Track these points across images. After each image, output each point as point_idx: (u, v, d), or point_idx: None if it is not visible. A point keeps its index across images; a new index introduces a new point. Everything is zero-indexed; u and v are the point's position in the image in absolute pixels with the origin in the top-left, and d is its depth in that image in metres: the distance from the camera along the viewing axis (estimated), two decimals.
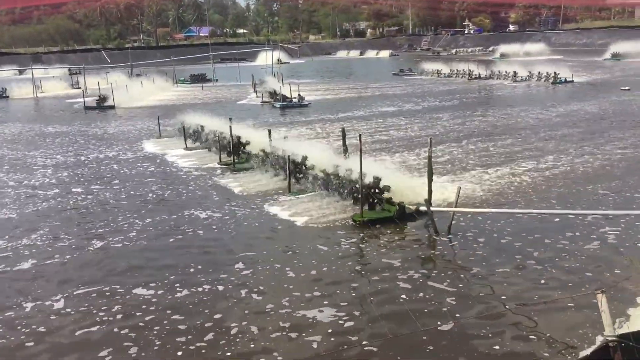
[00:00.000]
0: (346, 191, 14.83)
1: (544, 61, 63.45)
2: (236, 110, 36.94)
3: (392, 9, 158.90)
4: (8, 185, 18.76)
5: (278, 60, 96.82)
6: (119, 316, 9.09)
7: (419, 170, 18.04)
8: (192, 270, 10.84)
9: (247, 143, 21.01)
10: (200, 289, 10.03)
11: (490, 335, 8.20)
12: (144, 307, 9.39)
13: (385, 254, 11.55)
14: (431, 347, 8.00)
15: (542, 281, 9.88)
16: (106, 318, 9.03)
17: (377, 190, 14.17)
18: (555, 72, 46.42)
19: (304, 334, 8.48)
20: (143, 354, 8.04)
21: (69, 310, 9.37)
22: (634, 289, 9.32)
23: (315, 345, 8.10)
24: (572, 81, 45.80)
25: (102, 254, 11.92)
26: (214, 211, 14.88)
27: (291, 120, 31.29)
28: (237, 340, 8.32)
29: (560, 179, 16.80)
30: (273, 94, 42.18)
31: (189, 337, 8.45)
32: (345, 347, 8.07)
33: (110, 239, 12.83)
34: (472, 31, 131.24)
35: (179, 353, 8.03)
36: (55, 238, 13.02)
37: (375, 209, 14.23)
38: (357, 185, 14.24)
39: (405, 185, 15.36)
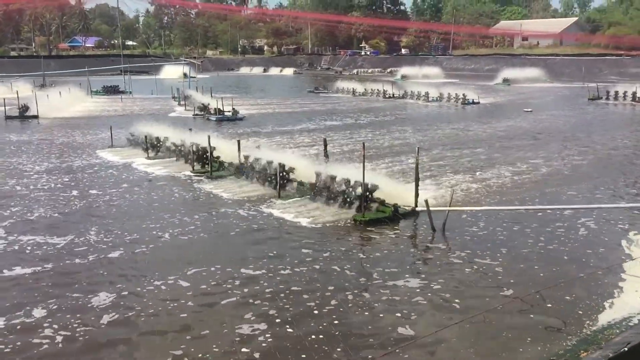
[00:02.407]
0: (337, 196, 16.25)
1: (443, 84, 68.57)
2: (172, 122, 36.95)
3: (289, 28, 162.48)
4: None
5: (184, 74, 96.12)
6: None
7: (392, 176, 19.87)
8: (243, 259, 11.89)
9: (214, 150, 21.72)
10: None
11: (499, 326, 9.17)
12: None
13: (393, 247, 13.30)
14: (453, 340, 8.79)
15: (536, 267, 11.60)
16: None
17: (369, 195, 15.78)
18: (464, 94, 50.74)
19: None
20: None
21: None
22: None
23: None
24: (479, 102, 50.32)
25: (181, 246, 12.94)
26: (217, 214, 15.74)
27: (237, 132, 32.10)
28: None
29: (530, 181, 19.94)
30: (204, 108, 42.65)
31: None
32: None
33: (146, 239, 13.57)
34: (369, 53, 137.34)
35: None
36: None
37: (371, 211, 15.81)
38: (348, 190, 15.88)
39: (388, 188, 17.05)
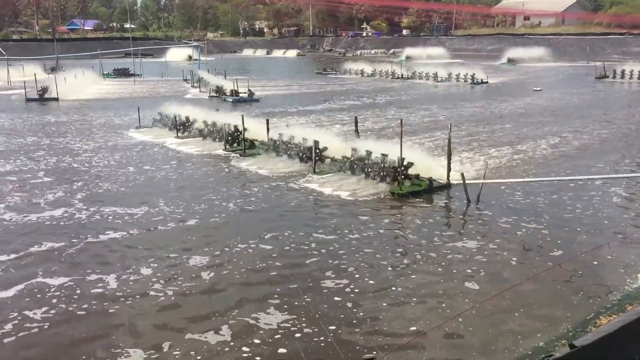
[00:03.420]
0: (372, 171, 17.12)
1: (448, 64, 69.12)
2: (192, 104, 37.64)
3: (290, 9, 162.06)
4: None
5: (189, 56, 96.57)
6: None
7: (424, 151, 20.78)
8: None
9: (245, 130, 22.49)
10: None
11: (542, 291, 9.80)
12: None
13: (434, 216, 14.29)
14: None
15: (572, 235, 12.43)
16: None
17: (405, 169, 16.64)
18: (472, 74, 51.43)
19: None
20: None
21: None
22: None
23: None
24: (487, 82, 51.01)
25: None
26: (260, 189, 16.53)
27: (258, 113, 32.83)
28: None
29: (563, 154, 21.10)
30: (219, 90, 43.37)
31: None
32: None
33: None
34: (370, 34, 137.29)
35: None
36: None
37: (404, 184, 16.69)
38: (385, 165, 16.76)
39: (421, 163, 17.90)
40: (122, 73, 62.23)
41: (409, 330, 8.50)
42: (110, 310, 9.10)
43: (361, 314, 8.98)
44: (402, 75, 57.70)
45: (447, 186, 16.69)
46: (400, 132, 16.73)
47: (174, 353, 7.88)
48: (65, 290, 9.76)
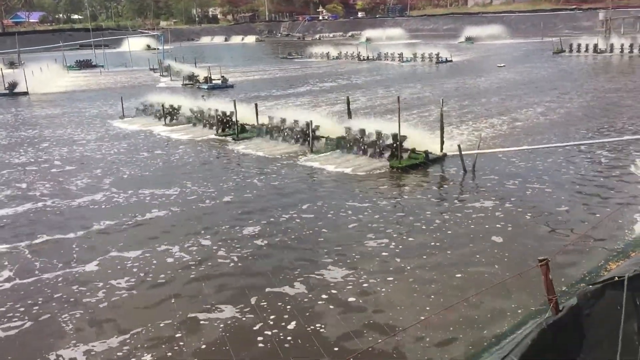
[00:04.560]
0: (368, 147, 18.07)
1: (408, 44, 70.44)
2: (167, 92, 37.76)
3: None
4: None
5: (147, 45, 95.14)
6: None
7: (416, 126, 21.85)
8: (278, 212, 13.34)
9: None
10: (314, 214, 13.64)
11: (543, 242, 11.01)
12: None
13: (436, 184, 15.54)
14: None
15: (559, 195, 13.71)
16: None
17: (401, 144, 17.58)
18: (437, 53, 52.77)
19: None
20: None
21: None
22: None
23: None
24: (452, 60, 52.46)
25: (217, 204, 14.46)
26: (256, 171, 17.11)
27: (238, 99, 33.13)
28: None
29: (543, 123, 22.77)
30: (192, 77, 43.43)
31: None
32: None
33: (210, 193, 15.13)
34: (327, 17, 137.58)
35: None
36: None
37: (404, 158, 17.66)
38: (381, 141, 17.71)
39: (415, 137, 18.90)
40: (85, 65, 61.30)
41: None
42: (192, 275, 10.07)
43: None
44: (367, 57, 58.62)
45: (443, 157, 17.74)
46: (398, 108, 17.76)
47: (261, 304, 8.91)
48: (143, 261, 10.65)
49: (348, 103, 22.74)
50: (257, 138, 22.01)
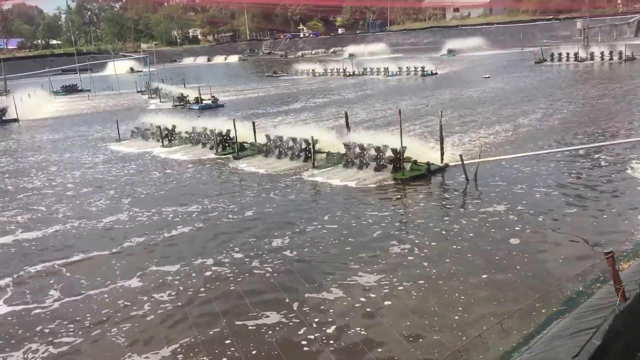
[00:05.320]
0: (369, 161, 18.34)
1: (392, 58, 71.39)
2: (159, 114, 37.95)
3: (224, 16, 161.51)
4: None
5: (131, 68, 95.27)
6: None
7: (418, 137, 22.24)
8: (301, 224, 13.79)
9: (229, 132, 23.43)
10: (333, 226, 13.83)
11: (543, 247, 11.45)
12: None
13: (441, 194, 16.07)
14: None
15: (561, 198, 14.36)
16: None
17: (402, 156, 17.92)
18: (422, 67, 53.56)
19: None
20: None
21: None
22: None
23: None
24: (437, 73, 53.27)
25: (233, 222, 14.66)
26: (269, 187, 17.44)
27: (230, 118, 33.41)
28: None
29: (540, 129, 23.63)
30: (182, 98, 43.65)
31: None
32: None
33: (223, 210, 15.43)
34: (308, 34, 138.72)
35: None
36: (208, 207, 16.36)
37: (405, 170, 17.96)
38: (382, 154, 18.01)
39: (415, 149, 19.25)
40: (71, 90, 61.32)
41: None
42: (231, 286, 10.54)
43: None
44: (353, 72, 59.29)
45: (444, 168, 18.09)
46: (400, 121, 18.14)
47: (303, 309, 9.36)
48: (182, 275, 11.08)
49: (347, 117, 23.12)
50: (258, 156, 22.24)
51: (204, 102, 41.46)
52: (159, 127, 26.57)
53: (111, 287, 10.69)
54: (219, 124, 25.21)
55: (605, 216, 12.99)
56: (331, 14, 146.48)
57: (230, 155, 22.59)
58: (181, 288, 10.43)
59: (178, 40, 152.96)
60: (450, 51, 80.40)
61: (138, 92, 54.75)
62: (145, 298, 10.09)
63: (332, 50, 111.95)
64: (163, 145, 25.81)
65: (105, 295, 10.35)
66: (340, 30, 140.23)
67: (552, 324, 8.38)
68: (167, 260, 11.82)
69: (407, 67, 55.24)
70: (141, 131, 28.13)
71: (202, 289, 10.37)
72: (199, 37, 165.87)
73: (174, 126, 26.47)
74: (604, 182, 15.52)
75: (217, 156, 22.97)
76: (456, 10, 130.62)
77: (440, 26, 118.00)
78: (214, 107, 40.58)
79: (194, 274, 11.01)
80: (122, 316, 9.55)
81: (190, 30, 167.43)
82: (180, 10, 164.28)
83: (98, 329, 9.19)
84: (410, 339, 8.33)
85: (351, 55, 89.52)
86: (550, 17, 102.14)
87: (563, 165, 17.61)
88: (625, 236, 11.72)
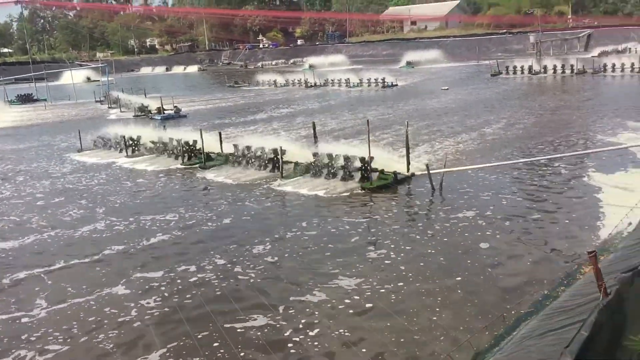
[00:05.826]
0: (337, 171, 18.69)
1: (351, 70, 72.42)
2: (122, 124, 37.45)
3: (182, 25, 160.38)
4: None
5: (87, 78, 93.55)
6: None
7: (385, 147, 22.74)
8: (279, 231, 14.04)
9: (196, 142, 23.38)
10: (291, 234, 14.41)
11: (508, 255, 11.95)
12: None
13: (407, 202, 16.56)
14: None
15: (526, 205, 15.10)
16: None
17: (369, 166, 18.32)
18: (383, 78, 54.46)
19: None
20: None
21: None
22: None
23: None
24: (397, 85, 54.25)
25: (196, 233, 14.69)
26: (243, 196, 17.57)
27: (198, 128, 33.29)
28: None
29: (502, 139, 24.50)
30: (144, 108, 43.18)
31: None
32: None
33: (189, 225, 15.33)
34: (268, 45, 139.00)
35: None
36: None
37: (372, 179, 18.36)
38: (350, 164, 18.39)
39: (381, 158, 19.70)
40: (27, 99, 59.94)
41: None
42: (217, 292, 10.77)
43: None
44: (315, 83, 59.79)
45: (411, 177, 18.57)
46: (368, 131, 18.51)
47: (289, 312, 9.68)
48: (167, 281, 11.25)
49: (314, 128, 23.45)
50: (225, 166, 22.26)
51: (166, 112, 41.14)
52: (123, 137, 26.31)
53: (97, 294, 10.74)
54: (184, 134, 25.17)
55: (566, 221, 13.71)
56: (290, 25, 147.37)
57: (197, 165, 22.59)
58: (166, 294, 10.56)
59: (135, 49, 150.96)
60: (409, 63, 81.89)
61: (97, 101, 53.94)
62: (132, 304, 10.19)
63: (292, 61, 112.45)
64: (127, 156, 25.56)
65: (92, 303, 10.40)
66: (299, 42, 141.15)
67: (520, 326, 8.80)
68: (151, 267, 11.94)
69: (367, 79, 56.07)
70: (104, 141, 27.79)
71: (187, 295, 10.52)
72: (157, 46, 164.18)
73: (139, 136, 26.25)
74: (565, 189, 16.38)
75: (183, 166, 22.91)
76: (413, 23, 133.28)
77: (398, 38, 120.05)
78: (177, 117, 40.34)
79: (179, 280, 11.16)
80: (109, 323, 9.65)
81: (147, 40, 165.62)
82: (137, 19, 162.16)
83: (86, 336, 9.26)
84: (393, 339, 8.69)
85: (311, 66, 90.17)
86: (504, 31, 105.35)
87: (526, 174, 18.43)
88: (586, 241, 12.38)
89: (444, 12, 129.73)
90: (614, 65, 53.26)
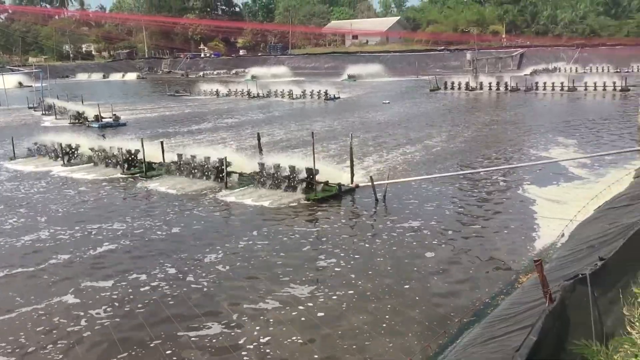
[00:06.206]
0: (282, 182, 18.78)
1: (293, 82, 72.80)
2: (58, 132, 36.23)
3: (120, 32, 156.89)
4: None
5: (19, 83, 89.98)
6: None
7: (330, 159, 23.04)
8: (230, 240, 14.09)
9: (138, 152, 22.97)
10: (240, 244, 14.93)
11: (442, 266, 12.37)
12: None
13: (350, 214, 16.81)
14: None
15: (467, 216, 15.74)
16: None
17: (314, 177, 18.53)
18: (326, 91, 54.98)
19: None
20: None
21: None
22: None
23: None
24: (339, 97, 54.88)
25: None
26: (191, 205, 17.52)
27: (138, 137, 32.66)
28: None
29: (445, 152, 25.41)
30: (80, 115, 41.93)
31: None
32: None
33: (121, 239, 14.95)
34: (210, 55, 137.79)
35: None
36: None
37: (317, 190, 18.54)
38: (295, 175, 18.54)
39: (325, 170, 19.96)
40: None
41: None
42: (169, 300, 10.76)
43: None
44: (258, 94, 59.63)
45: (354, 189, 18.86)
46: (312, 143, 18.62)
47: (242, 319, 9.85)
48: (118, 290, 11.17)
49: (259, 139, 23.44)
50: (167, 176, 21.93)
51: (104, 120, 40.08)
52: (60, 144, 25.48)
53: (45, 303, 10.56)
54: (123, 142, 24.67)
55: (505, 231, 14.39)
56: (232, 35, 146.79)
57: (138, 175, 22.16)
58: (117, 304, 10.46)
59: (71, 55, 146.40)
60: (350, 76, 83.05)
61: (30, 107, 51.95)
62: (82, 313, 10.08)
63: (234, 71, 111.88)
64: (64, 164, 24.77)
65: (41, 312, 10.24)
66: (241, 52, 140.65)
67: (464, 334, 9.11)
68: (100, 276, 11.81)
69: (310, 91, 56.42)
70: (39, 149, 26.82)
71: (139, 305, 10.46)
72: (94, 52, 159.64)
73: (77, 145, 25.48)
74: (504, 201, 17.24)
75: (124, 175, 22.42)
76: (355, 37, 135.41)
77: (340, 52, 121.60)
78: (116, 125, 39.39)
79: (130, 289, 11.07)
80: (58, 332, 9.53)
81: (83, 45, 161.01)
82: (73, 24, 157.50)
83: (33, 347, 9.11)
84: (345, 345, 8.93)
85: (254, 77, 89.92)
86: (442, 48, 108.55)
87: (467, 185, 19.19)
88: (523, 252, 12.94)
89: (385, 28, 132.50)
90: (545, 83, 55.76)
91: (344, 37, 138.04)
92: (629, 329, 5.65)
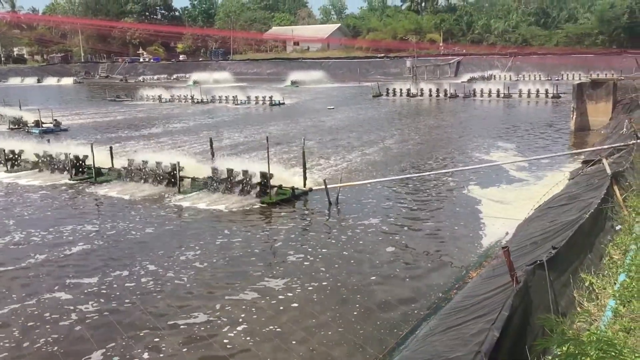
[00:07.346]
0: (235, 186, 19.12)
1: (235, 87, 72.81)
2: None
3: (54, 35, 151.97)
4: None
5: None
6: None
7: (283, 162, 23.51)
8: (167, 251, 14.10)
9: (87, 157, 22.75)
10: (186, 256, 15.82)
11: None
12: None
13: (304, 217, 17.25)
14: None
15: (418, 216, 16.74)
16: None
17: (268, 181, 18.93)
18: (270, 96, 55.32)
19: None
20: None
21: None
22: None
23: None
24: (284, 103, 55.32)
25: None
26: (135, 213, 17.44)
27: (84, 143, 32.09)
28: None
29: (397, 154, 26.65)
30: (19, 121, 40.70)
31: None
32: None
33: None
34: (149, 59, 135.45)
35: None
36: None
37: (271, 194, 18.93)
38: (246, 179, 18.87)
39: (278, 174, 20.36)
40: None
41: None
42: (156, 295, 11.30)
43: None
44: (202, 99, 59.23)
45: (308, 192, 19.33)
46: (267, 148, 19.06)
47: (226, 308, 10.53)
48: (103, 286, 11.63)
49: (211, 143, 23.56)
50: (117, 181, 21.77)
51: (44, 125, 39.04)
52: (3, 150, 24.82)
53: (35, 299, 10.92)
54: (70, 148, 24.24)
55: (456, 228, 15.45)
56: (172, 40, 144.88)
57: (87, 181, 21.89)
58: (102, 300, 10.90)
59: (1, 58, 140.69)
60: (293, 82, 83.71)
61: None
62: (72, 307, 10.54)
63: (175, 76, 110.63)
64: (7, 170, 24.15)
65: (34, 308, 10.60)
66: (182, 57, 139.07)
67: (422, 325, 9.75)
68: (83, 273, 12.18)
69: (255, 96, 56.69)
70: None
71: (126, 300, 10.93)
72: (26, 56, 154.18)
73: (21, 150, 24.87)
74: (454, 201, 18.38)
75: (72, 181, 22.08)
76: (296, 43, 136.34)
77: (282, 58, 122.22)
78: (57, 130, 38.39)
79: (115, 285, 11.56)
80: (48, 327, 9.91)
81: (15, 49, 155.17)
82: (3, 26, 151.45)
83: (27, 342, 9.46)
84: (322, 332, 9.70)
85: (196, 82, 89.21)
86: (382, 55, 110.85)
87: (419, 185, 20.43)
88: (471, 249, 13.78)
89: (326, 35, 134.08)
90: (482, 90, 58.12)
91: (285, 43, 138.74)
92: (579, 310, 6.40)
